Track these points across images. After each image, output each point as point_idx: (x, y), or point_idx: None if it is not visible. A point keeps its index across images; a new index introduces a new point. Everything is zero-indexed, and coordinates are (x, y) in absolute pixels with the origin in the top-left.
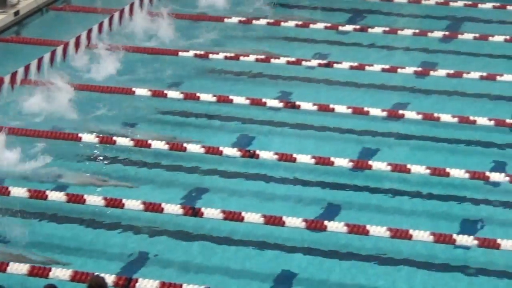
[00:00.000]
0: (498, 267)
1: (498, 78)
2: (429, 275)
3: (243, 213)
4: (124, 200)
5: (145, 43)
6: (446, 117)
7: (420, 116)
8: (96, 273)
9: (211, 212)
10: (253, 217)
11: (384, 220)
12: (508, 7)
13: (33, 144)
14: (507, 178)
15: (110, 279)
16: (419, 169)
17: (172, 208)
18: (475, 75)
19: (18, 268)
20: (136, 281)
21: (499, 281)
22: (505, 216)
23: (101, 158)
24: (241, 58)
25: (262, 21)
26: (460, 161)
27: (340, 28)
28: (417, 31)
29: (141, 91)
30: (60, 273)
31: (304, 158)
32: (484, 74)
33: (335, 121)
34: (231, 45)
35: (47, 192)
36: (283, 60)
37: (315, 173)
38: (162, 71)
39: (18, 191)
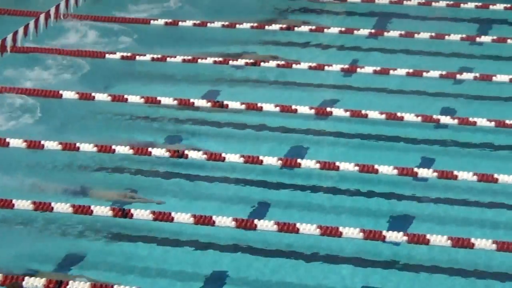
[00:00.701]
0: (427, 263)
1: (425, 74)
2: (361, 271)
3: (172, 213)
4: (52, 204)
5: (71, 46)
6: (373, 114)
7: (348, 113)
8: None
9: (141, 213)
10: (183, 217)
11: (314, 218)
12: (434, 4)
13: None
14: (435, 174)
15: (40, 282)
16: (347, 166)
17: (102, 210)
18: (402, 71)
19: None
20: (67, 283)
21: (429, 275)
22: (434, 211)
23: (29, 162)
24: (168, 59)
25: (189, 23)
26: (388, 158)
27: (267, 27)
28: (343, 28)
29: (68, 94)
30: None
31: (233, 158)
32: (411, 70)
33: (264, 119)
34: (157, 47)
35: None
36: (210, 60)
37: (245, 172)
38: (89, 74)
39: None
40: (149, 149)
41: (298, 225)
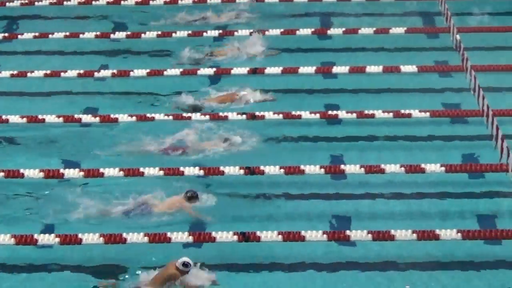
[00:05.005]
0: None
1: (62, 74)
2: None
3: None
4: None
5: None
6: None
7: None
8: None
9: None
10: None
11: None
12: (66, 3)
13: None
14: (122, 172)
15: None
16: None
17: None
18: (40, 73)
19: None
20: None
21: None
22: None
23: None
24: None
25: None
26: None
27: None
28: None
29: None
30: None
31: None
32: (48, 71)
33: None
34: None
35: None
36: None
37: None
38: None
39: None
40: None
41: (36, 236)
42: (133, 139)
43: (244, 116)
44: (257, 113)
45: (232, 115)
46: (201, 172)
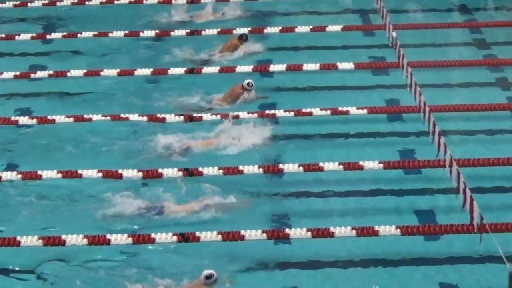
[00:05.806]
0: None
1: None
2: None
3: None
4: None
5: None
6: None
7: None
8: None
9: None
10: None
11: None
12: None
13: None
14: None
15: None
16: None
17: None
18: None
19: None
20: None
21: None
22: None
23: None
24: None
25: None
26: None
27: None
28: None
29: None
30: None
31: None
32: None
33: None
34: None
35: None
36: None
37: None
38: None
39: None
40: None
41: None
42: (75, 140)
43: (181, 118)
44: (194, 115)
45: (171, 117)
46: (140, 174)
